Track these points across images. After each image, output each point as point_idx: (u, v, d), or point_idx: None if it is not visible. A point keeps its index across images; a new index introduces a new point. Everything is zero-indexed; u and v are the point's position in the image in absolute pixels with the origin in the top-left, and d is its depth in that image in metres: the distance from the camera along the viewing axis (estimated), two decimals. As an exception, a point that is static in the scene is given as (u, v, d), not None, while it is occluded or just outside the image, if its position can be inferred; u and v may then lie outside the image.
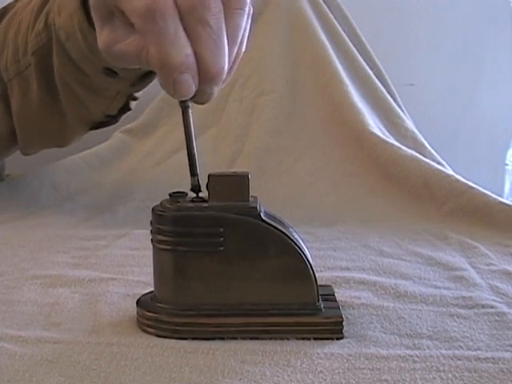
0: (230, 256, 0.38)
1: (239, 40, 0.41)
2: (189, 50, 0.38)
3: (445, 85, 1.19)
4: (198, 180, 0.40)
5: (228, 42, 0.39)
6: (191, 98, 0.40)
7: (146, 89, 0.67)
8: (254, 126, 0.92)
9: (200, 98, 0.40)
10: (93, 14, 0.46)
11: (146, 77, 0.62)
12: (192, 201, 0.39)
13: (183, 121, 0.40)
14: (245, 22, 0.41)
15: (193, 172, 0.40)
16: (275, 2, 0.97)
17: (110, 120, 0.71)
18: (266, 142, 0.90)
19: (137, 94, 0.68)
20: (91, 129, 0.73)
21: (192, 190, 0.40)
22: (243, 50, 0.42)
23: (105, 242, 0.60)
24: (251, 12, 0.42)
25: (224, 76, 0.40)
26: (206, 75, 0.39)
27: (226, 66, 0.39)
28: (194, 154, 0.40)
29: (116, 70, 0.59)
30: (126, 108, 0.69)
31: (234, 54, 0.41)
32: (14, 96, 0.70)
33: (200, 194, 0.40)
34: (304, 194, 0.80)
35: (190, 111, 0.40)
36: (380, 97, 0.94)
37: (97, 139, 0.89)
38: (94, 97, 0.65)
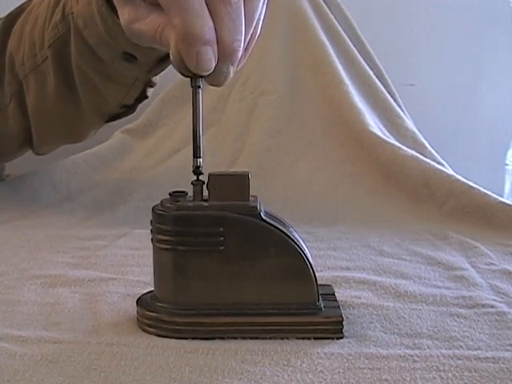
0: (230, 255, 0.38)
1: (255, 22, 0.42)
2: (211, 24, 0.38)
3: (445, 85, 1.19)
4: (201, 162, 0.40)
5: (245, 22, 0.40)
6: (207, 79, 0.40)
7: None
8: (254, 126, 0.92)
9: (216, 77, 0.40)
10: None
11: (163, 61, 0.62)
12: (192, 183, 0.39)
13: (192, 101, 0.40)
14: (261, 5, 0.42)
15: (196, 154, 0.40)
16: (275, 1, 0.97)
17: (126, 111, 0.71)
18: (266, 142, 0.90)
19: (154, 79, 0.67)
20: (107, 121, 0.73)
21: (193, 171, 0.40)
22: (258, 33, 0.43)
23: (105, 242, 0.60)
24: None
25: (240, 54, 0.40)
26: (223, 52, 0.39)
27: (242, 45, 0.40)
28: (200, 136, 0.40)
29: (135, 54, 0.59)
30: (142, 96, 0.69)
31: (250, 34, 0.41)
32: (30, 91, 0.71)
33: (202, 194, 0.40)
34: (304, 194, 0.81)
35: (200, 92, 0.40)
36: (380, 97, 0.94)
37: (97, 139, 0.89)
38: (111, 85, 0.65)
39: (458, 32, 1.18)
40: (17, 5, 0.75)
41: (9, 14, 0.74)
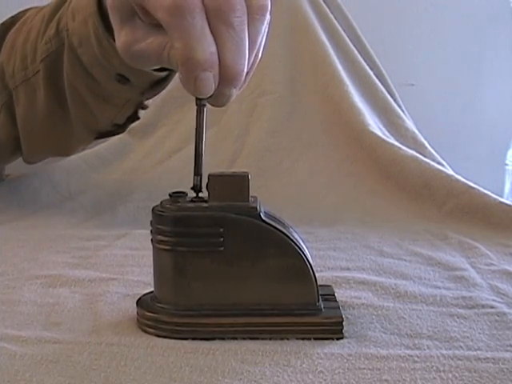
0: (230, 256, 0.38)
1: (257, 46, 0.42)
2: (213, 48, 0.38)
3: (445, 85, 1.19)
4: (201, 180, 0.40)
5: (248, 46, 0.40)
6: (209, 100, 0.40)
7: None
8: (254, 126, 0.92)
9: (218, 99, 0.40)
10: (111, 15, 0.46)
11: (156, 85, 0.62)
12: (192, 201, 0.39)
13: (196, 119, 0.40)
14: (264, 29, 0.42)
15: (196, 171, 0.40)
16: (275, 1, 0.97)
17: (116, 129, 0.71)
18: (266, 141, 0.90)
19: (147, 103, 0.67)
20: (97, 138, 0.72)
21: (193, 188, 0.40)
22: (259, 56, 0.43)
23: (105, 242, 0.60)
24: (269, 20, 0.42)
25: (243, 78, 0.40)
26: (226, 76, 0.39)
27: (246, 69, 0.40)
28: (201, 154, 0.40)
29: (128, 76, 0.59)
30: (134, 117, 0.68)
31: (252, 58, 0.41)
32: (19, 104, 0.70)
33: (200, 195, 0.40)
34: (304, 193, 0.80)
35: (205, 110, 0.40)
36: (380, 97, 0.94)
37: (97, 139, 0.89)
38: (103, 104, 0.65)
39: (458, 32, 1.18)
40: (14, 12, 0.74)
41: (2, 24, 0.73)
